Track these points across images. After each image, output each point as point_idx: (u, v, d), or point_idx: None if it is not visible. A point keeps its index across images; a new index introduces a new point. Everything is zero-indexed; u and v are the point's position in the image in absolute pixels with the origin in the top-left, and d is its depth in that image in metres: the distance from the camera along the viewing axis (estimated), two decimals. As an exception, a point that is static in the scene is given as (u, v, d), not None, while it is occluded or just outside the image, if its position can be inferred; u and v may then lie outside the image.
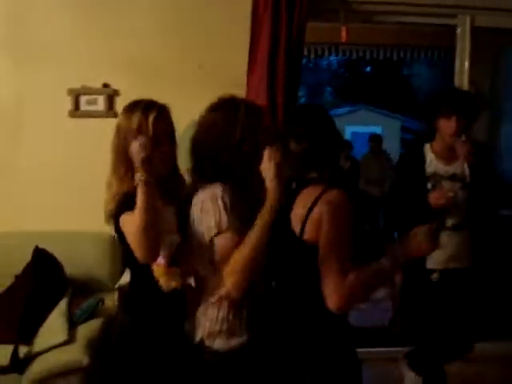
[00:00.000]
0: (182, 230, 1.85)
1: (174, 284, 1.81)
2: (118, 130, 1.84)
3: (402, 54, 6.70)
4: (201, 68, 3.25)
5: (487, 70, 6.11)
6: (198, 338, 1.81)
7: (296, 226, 1.71)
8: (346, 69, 19.10)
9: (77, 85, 3.27)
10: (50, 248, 2.92)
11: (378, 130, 12.39)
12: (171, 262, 1.82)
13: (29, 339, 2.52)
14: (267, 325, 1.83)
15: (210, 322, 1.78)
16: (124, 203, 1.76)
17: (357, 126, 15.49)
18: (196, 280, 1.83)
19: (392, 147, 9.33)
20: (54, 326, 2.57)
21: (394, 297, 4.30)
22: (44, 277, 2.79)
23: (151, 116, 1.79)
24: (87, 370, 2.33)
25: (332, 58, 14.62)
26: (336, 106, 18.49)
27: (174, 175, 1.97)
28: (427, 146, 2.75)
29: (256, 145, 1.74)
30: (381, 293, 4.76)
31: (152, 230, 1.66)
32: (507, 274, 4.51)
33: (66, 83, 3.27)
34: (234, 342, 1.77)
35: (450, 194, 2.51)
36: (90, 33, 3.26)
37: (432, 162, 2.70)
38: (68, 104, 3.29)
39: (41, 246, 2.89)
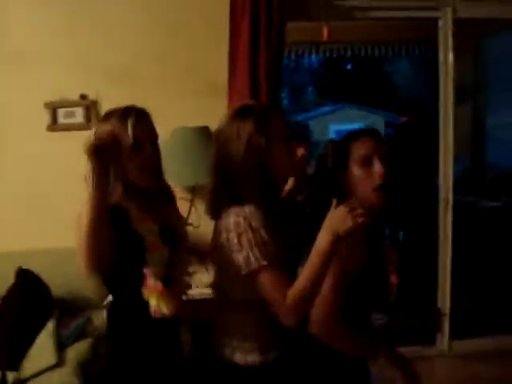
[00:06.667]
0: (171, 245, 1.73)
1: (166, 312, 1.65)
2: None
3: (383, 51, 6.69)
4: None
5: (469, 61, 6.13)
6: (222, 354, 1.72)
7: None
8: (327, 67, 19.10)
9: (53, 97, 3.19)
10: (31, 267, 2.82)
11: (361, 127, 12.40)
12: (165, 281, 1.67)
13: (17, 364, 2.45)
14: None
15: (236, 338, 1.71)
16: None
17: (340, 125, 15.56)
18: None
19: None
20: (42, 349, 2.51)
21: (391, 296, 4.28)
22: (30, 298, 2.70)
23: (130, 121, 1.64)
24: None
25: (313, 57, 14.65)
26: (319, 104, 18.53)
27: (161, 187, 1.82)
28: None
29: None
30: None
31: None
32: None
33: (42, 96, 3.18)
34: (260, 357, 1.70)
35: None
36: (65, 42, 3.19)
37: None
38: (46, 118, 3.21)
39: (22, 266, 2.79)
